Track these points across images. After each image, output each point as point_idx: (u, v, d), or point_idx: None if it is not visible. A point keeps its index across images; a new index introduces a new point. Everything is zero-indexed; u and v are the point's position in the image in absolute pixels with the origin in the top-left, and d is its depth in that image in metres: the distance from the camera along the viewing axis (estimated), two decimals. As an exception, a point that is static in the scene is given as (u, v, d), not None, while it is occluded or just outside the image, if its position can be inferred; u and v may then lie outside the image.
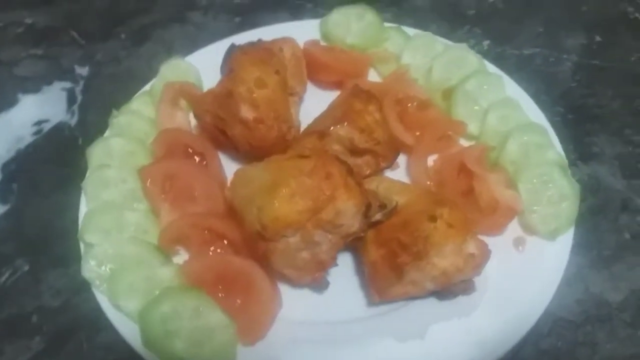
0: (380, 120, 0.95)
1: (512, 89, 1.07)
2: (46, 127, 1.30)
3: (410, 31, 1.20)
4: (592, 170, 1.12)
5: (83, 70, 1.41)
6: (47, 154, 1.25)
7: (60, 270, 1.04)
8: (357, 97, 0.95)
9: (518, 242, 0.89)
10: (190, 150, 1.00)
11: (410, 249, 0.77)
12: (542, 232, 0.88)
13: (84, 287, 0.96)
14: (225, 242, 0.88)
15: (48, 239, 1.09)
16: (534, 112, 1.03)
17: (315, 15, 1.45)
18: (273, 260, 0.81)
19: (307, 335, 0.83)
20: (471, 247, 0.79)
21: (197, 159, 1.00)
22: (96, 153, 0.99)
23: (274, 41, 1.10)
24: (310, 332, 0.84)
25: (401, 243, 0.78)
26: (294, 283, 0.85)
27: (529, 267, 0.87)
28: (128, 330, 0.81)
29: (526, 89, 1.11)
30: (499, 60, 1.34)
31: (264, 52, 0.98)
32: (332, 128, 0.90)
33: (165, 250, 0.88)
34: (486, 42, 1.42)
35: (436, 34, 1.40)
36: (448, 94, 1.06)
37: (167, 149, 0.99)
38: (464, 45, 1.13)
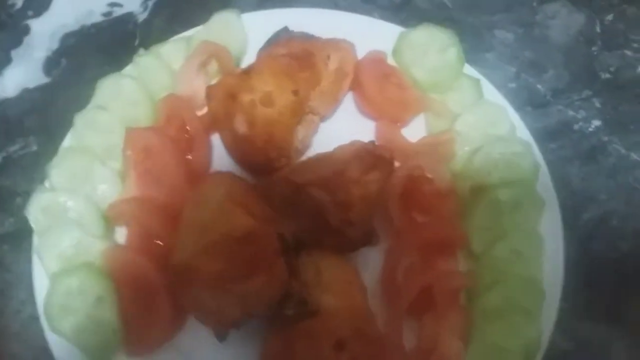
0: (371, 195, 0.82)
1: (550, 228, 0.87)
2: (116, 12, 1.29)
3: (490, 90, 0.99)
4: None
5: (175, -37, 1.34)
6: (104, 42, 1.25)
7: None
8: (359, 161, 0.82)
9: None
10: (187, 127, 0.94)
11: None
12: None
13: None
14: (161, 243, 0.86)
15: (63, 128, 1.12)
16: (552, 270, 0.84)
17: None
18: (179, 295, 0.79)
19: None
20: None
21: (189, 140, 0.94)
22: (103, 89, 0.96)
23: (327, 43, 0.96)
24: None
25: (297, 356, 0.71)
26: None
27: None
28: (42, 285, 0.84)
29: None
30: (596, 154, 1.10)
31: (294, 62, 0.86)
32: (309, 187, 0.80)
33: (108, 222, 0.88)
34: (596, 123, 1.15)
35: (545, 84, 1.18)
36: (477, 191, 0.89)
37: (166, 115, 0.94)
38: (529, 145, 0.92)
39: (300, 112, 0.88)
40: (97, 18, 1.28)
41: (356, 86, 0.98)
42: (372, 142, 0.86)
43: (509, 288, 0.80)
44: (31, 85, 1.19)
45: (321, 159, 0.87)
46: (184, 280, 0.75)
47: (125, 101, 0.95)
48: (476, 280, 0.83)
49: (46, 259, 0.84)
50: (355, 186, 0.81)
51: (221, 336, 0.80)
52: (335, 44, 0.95)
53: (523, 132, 0.96)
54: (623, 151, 1.12)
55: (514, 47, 1.23)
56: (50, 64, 1.22)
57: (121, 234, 0.90)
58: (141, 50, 1.01)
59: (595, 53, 1.23)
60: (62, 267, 0.82)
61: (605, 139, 1.14)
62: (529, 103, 1.15)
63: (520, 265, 0.83)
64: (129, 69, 1.01)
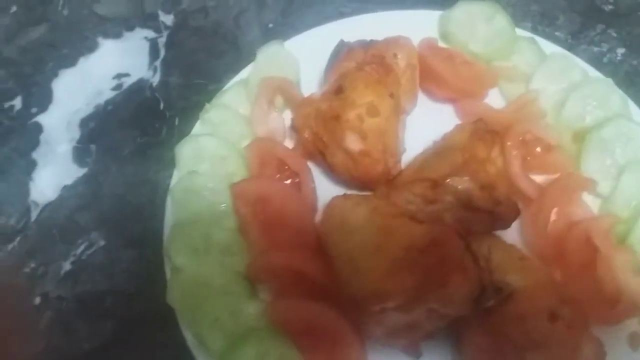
0: (502, 169, 0.84)
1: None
2: (126, 82, 1.23)
3: (545, 45, 1.03)
4: None
5: (167, 19, 1.31)
6: (127, 115, 1.19)
7: (134, 252, 1.02)
8: (481, 140, 0.83)
9: (633, 340, 0.80)
10: (285, 166, 0.91)
11: (522, 350, 0.70)
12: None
13: (156, 276, 0.92)
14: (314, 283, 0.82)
15: (123, 215, 1.06)
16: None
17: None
18: (365, 319, 0.76)
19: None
20: (587, 351, 0.72)
21: (290, 177, 0.92)
22: (186, 154, 0.92)
23: (388, 43, 0.96)
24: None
25: (512, 339, 0.71)
26: (384, 344, 0.80)
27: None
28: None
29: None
30: (632, 77, 1.18)
31: (379, 69, 0.86)
32: (448, 179, 0.80)
33: (251, 280, 0.84)
34: (620, 51, 1.23)
35: (562, 30, 1.25)
36: (580, 136, 0.92)
37: (260, 160, 0.91)
38: (609, 81, 0.96)
39: (398, 112, 0.88)
40: (109, 94, 1.22)
41: (425, 76, 0.99)
42: (480, 120, 0.87)
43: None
44: (68, 181, 1.11)
45: (438, 153, 0.87)
46: (373, 308, 0.72)
47: (212, 159, 0.91)
48: (619, 218, 0.85)
49: (208, 340, 0.78)
50: (489, 165, 0.82)
51: (417, 353, 0.78)
52: (395, 42, 0.96)
53: (593, 71, 1.00)
54: (654, 68, 1.20)
55: (519, 4, 1.29)
56: (81, 154, 1.14)
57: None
58: (206, 106, 0.97)
59: (591, -11, 1.31)
60: (230, 342, 0.77)
61: (635, 62, 1.21)
62: (557, 51, 1.20)
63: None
64: (198, 128, 0.97)
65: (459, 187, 0.80)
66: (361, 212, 0.79)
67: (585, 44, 1.23)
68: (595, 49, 1.23)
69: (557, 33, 1.25)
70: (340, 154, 0.85)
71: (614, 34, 1.25)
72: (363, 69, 0.86)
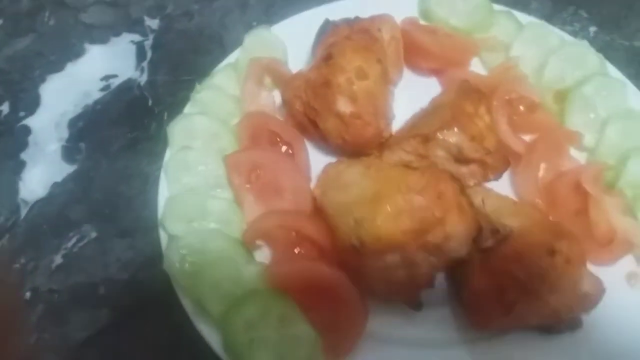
0: (490, 124, 0.86)
1: (636, 99, 0.95)
2: (114, 83, 1.24)
3: (521, 17, 1.07)
4: None
5: (153, 23, 1.34)
6: (116, 114, 1.20)
7: (127, 241, 1.01)
8: (468, 98, 0.86)
9: (631, 277, 0.82)
10: (277, 138, 0.93)
11: (524, 287, 0.70)
12: (662, 270, 0.80)
13: (150, 262, 0.94)
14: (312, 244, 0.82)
15: (115, 207, 1.06)
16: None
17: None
18: (366, 274, 0.76)
19: (394, 355, 0.79)
20: (586, 285, 0.72)
21: (283, 148, 0.93)
22: (178, 131, 0.93)
23: (372, 19, 0.99)
24: (398, 352, 0.79)
25: (514, 277, 0.71)
26: (384, 299, 0.80)
27: (640, 305, 0.80)
28: (211, 333, 0.77)
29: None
30: (606, 52, 1.22)
31: (366, 37, 0.89)
32: (438, 133, 0.82)
33: (249, 246, 0.83)
34: (592, 29, 1.28)
35: (535, 14, 1.30)
36: (561, 96, 0.95)
37: (251, 134, 0.92)
38: (584, 43, 1.00)
39: (386, 79, 0.90)
40: (97, 95, 1.23)
41: (409, 50, 1.02)
42: (465, 81, 0.89)
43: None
44: (58, 178, 1.10)
45: (427, 114, 0.89)
46: (375, 256, 0.73)
47: (204, 136, 0.92)
48: (607, 165, 0.88)
49: (208, 304, 0.77)
50: (477, 119, 0.84)
51: (417, 304, 0.78)
52: (379, 18, 0.99)
53: (568, 37, 1.04)
54: (627, 43, 1.25)
55: (494, -9, 1.34)
56: (70, 152, 1.14)
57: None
58: (197, 87, 0.98)
59: (560, -25, 1.37)
60: (229, 304, 0.76)
61: (607, 38, 1.26)
62: (532, 33, 1.25)
63: (636, 135, 0.89)
64: (189, 108, 0.98)
65: (450, 139, 0.81)
66: (356, 169, 0.80)
67: (559, 25, 1.27)
68: (569, 28, 1.28)
69: (531, 16, 1.30)
70: (331, 119, 0.87)
71: (585, 14, 1.30)
72: (350, 38, 0.88)
